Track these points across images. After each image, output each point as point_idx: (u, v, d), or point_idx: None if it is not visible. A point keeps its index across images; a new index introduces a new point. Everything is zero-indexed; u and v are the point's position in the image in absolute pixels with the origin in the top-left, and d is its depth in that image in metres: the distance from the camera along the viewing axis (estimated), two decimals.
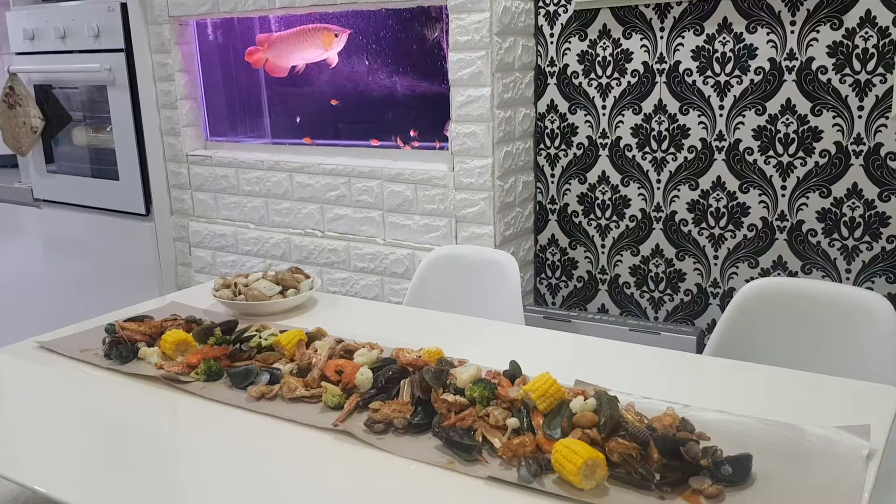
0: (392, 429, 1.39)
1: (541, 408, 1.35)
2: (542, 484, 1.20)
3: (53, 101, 3.53)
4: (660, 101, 2.35)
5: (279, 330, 1.79)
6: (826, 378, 1.52)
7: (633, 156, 2.44)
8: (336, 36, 2.66)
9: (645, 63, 2.36)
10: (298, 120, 3.03)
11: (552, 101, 2.54)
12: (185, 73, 3.12)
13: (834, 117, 2.12)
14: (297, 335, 1.73)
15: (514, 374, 1.49)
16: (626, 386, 1.49)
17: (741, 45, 2.20)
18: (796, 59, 2.14)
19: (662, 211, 2.42)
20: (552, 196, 2.62)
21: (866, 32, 2.03)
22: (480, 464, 1.26)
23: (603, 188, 2.51)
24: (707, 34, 2.24)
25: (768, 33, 2.15)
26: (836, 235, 2.18)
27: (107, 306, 3.21)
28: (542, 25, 2.50)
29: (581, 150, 2.53)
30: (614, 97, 2.43)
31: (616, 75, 2.41)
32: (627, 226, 2.50)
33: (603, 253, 2.56)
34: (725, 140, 2.28)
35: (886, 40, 2.01)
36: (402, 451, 1.32)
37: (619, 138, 2.45)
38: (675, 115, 2.34)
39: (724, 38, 2.22)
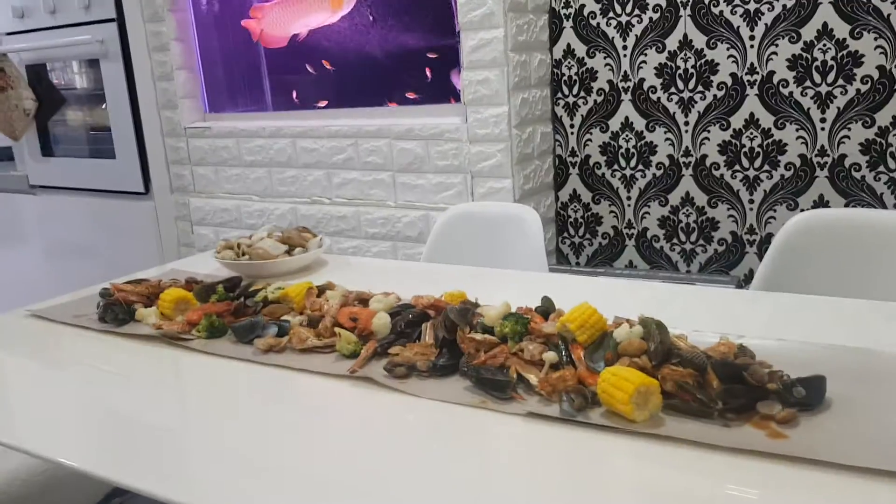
0: (415, 372, 1.25)
1: (581, 339, 1.21)
2: (587, 417, 1.05)
3: (46, 81, 3.40)
4: (685, 36, 2.20)
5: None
6: (890, 304, 1.36)
7: (659, 98, 2.28)
8: None
9: None
10: (298, 90, 2.89)
11: (569, 45, 2.38)
12: (180, 41, 2.98)
13: (875, 38, 1.96)
14: (306, 286, 1.58)
15: (547, 309, 1.35)
16: (672, 325, 1.34)
17: None
18: None
19: (692, 155, 2.26)
20: (572, 148, 2.46)
21: None
22: (517, 401, 1.12)
23: (627, 135, 2.35)
24: None
25: None
26: (881, 168, 2.02)
27: None
28: None
29: (602, 97, 2.37)
30: (636, 36, 2.27)
31: (637, 12, 2.26)
32: (654, 174, 2.34)
33: (629, 206, 2.40)
34: (758, 73, 2.12)
35: None
36: (428, 393, 1.18)
37: (642, 80, 2.30)
38: (703, 50, 2.18)
39: None
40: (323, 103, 2.81)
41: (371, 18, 2.64)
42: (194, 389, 1.29)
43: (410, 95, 2.60)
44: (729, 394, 1.05)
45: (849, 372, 1.12)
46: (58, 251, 3.56)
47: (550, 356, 1.19)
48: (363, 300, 1.53)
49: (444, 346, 1.30)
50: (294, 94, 2.92)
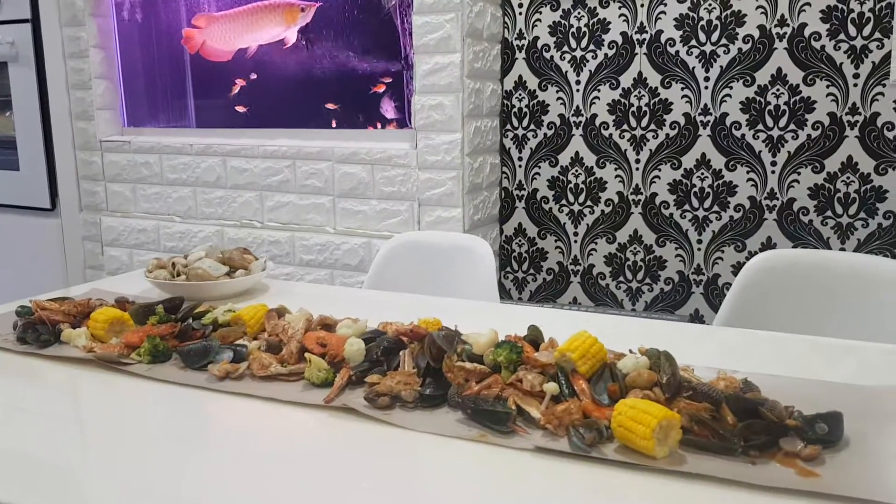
0: (399, 403, 1.13)
1: (582, 370, 1.13)
2: (600, 453, 0.97)
3: None
4: (640, 73, 2.19)
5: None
6: (860, 343, 1.36)
7: (611, 134, 2.26)
8: (302, 10, 2.38)
9: (624, 34, 2.20)
10: (229, 107, 2.73)
11: (521, 76, 2.35)
12: (100, 48, 2.77)
13: (828, 86, 2.01)
14: (261, 308, 1.44)
15: (535, 339, 1.26)
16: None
17: (728, 11, 2.08)
18: (787, 25, 2.02)
19: (642, 193, 2.25)
20: (520, 181, 2.41)
21: None
22: (519, 435, 1.03)
23: (576, 171, 2.32)
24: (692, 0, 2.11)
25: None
26: (829, 213, 2.06)
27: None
28: None
29: (552, 130, 2.34)
30: (590, 71, 2.26)
31: (591, 47, 2.25)
32: (603, 211, 2.31)
33: (576, 241, 2.36)
34: (711, 114, 2.14)
35: None
36: (417, 425, 1.07)
37: (594, 116, 2.28)
38: (657, 88, 2.18)
39: (709, 4, 2.09)
40: (254, 122, 2.67)
41: (313, 38, 2.53)
42: (140, 419, 1.13)
43: (355, 118, 2.50)
44: (750, 430, 0.99)
45: (852, 407, 1.08)
46: None
47: (551, 387, 1.10)
48: (327, 325, 1.41)
49: (428, 374, 1.19)
50: (224, 112, 2.76)
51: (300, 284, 1.86)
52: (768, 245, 2.13)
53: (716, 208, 2.17)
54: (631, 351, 1.19)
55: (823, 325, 1.67)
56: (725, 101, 2.11)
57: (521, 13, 2.31)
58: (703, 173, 2.17)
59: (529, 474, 0.94)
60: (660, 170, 2.22)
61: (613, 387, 1.10)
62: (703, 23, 2.10)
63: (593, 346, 1.16)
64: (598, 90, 2.26)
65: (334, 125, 2.52)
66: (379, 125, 2.45)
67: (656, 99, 2.19)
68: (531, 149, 2.38)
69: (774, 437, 0.99)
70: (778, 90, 2.05)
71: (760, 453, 0.97)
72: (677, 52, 2.15)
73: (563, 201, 2.36)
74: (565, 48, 2.28)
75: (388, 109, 2.44)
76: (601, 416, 1.05)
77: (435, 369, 1.20)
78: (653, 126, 2.20)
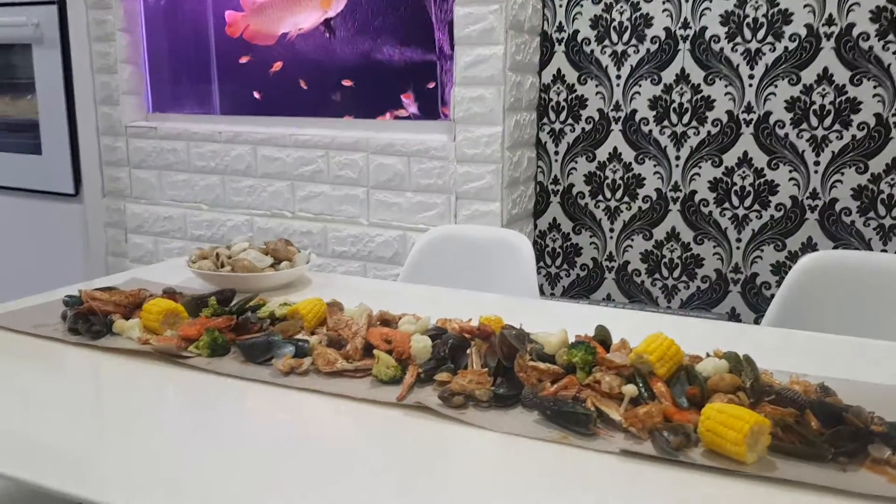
0: (472, 402, 1.12)
1: (660, 372, 1.11)
2: (686, 457, 0.96)
3: None
4: (682, 70, 2.17)
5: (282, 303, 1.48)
6: None
7: (650, 130, 2.24)
8: None
9: (667, 29, 2.18)
10: (261, 95, 2.70)
11: (559, 70, 2.32)
12: (126, 32, 2.74)
13: (875, 87, 1.99)
14: (317, 302, 1.42)
15: (604, 339, 1.24)
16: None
17: (775, 9, 2.05)
18: (835, 24, 2.00)
19: (681, 190, 2.23)
20: (555, 176, 2.39)
21: None
22: (601, 437, 1.01)
23: (614, 166, 2.30)
24: None
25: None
26: (871, 214, 2.04)
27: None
28: None
29: (591, 125, 2.31)
30: (631, 66, 2.23)
31: (634, 42, 2.22)
32: (640, 207, 2.29)
33: (611, 238, 2.35)
34: (755, 112, 2.12)
35: None
36: (496, 425, 1.05)
37: (634, 111, 2.25)
38: (699, 85, 2.16)
39: (756, 2, 2.06)
40: (286, 110, 2.63)
41: (344, 27, 2.50)
42: (205, 413, 1.11)
43: (393, 109, 2.47)
44: (838, 436, 0.98)
45: None
46: None
47: (630, 389, 1.09)
48: (386, 321, 1.39)
49: (499, 374, 1.18)
50: (253, 99, 2.73)
51: (342, 277, 1.85)
52: (809, 245, 2.12)
53: (756, 207, 2.16)
54: (708, 354, 1.18)
55: (871, 327, 1.66)
56: (770, 99, 2.09)
57: (561, 6, 2.29)
58: (744, 171, 2.15)
59: (615, 477, 0.93)
60: (700, 167, 2.20)
61: (693, 390, 1.09)
62: (748, 20, 2.08)
63: (671, 349, 1.14)
64: (639, 85, 2.24)
65: (368, 116, 2.49)
66: (414, 117, 2.43)
67: (699, 95, 2.17)
68: (568, 143, 2.35)
69: (862, 443, 0.99)
70: (824, 90, 2.03)
71: (850, 460, 0.97)
72: (721, 48, 2.12)
73: (600, 197, 2.34)
74: (606, 42, 2.25)
75: (422, 101, 2.42)
76: (683, 420, 1.04)
77: (506, 368, 1.19)
78: (694, 123, 2.18)
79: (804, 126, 2.07)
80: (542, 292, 2.48)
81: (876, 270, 1.69)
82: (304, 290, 1.71)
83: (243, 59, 2.64)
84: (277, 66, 2.60)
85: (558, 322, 1.30)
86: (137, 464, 0.94)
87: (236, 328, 1.37)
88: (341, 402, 1.13)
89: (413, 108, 2.43)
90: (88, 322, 1.40)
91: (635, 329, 1.29)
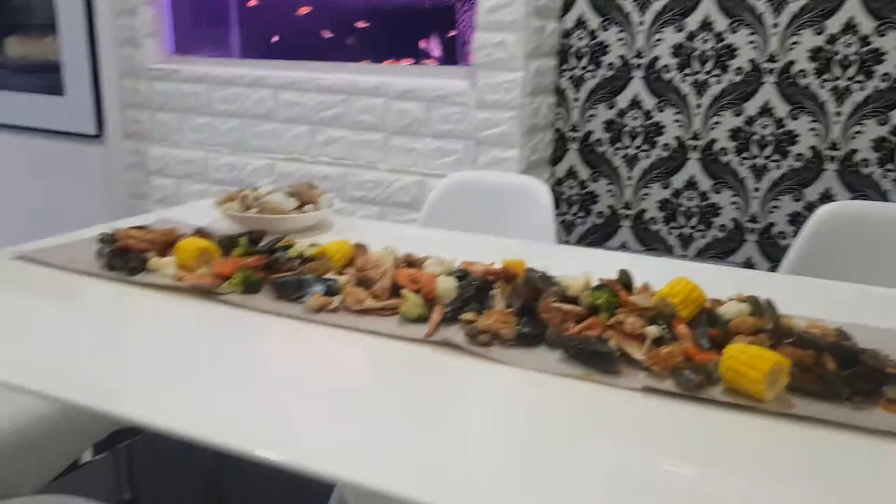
0: (497, 341, 1.16)
1: (683, 315, 1.15)
2: (708, 394, 1.00)
3: None
4: (706, 17, 2.17)
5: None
6: None
7: (672, 78, 2.24)
8: None
9: None
10: (281, 39, 2.70)
11: (581, 15, 2.31)
12: None
13: None
14: (345, 244, 1.46)
15: (627, 283, 1.28)
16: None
17: None
18: None
19: (701, 139, 2.24)
20: (574, 123, 2.40)
21: None
22: (623, 376, 1.05)
23: (634, 113, 2.31)
24: None
25: None
26: (890, 166, 2.06)
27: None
28: None
29: (612, 72, 2.32)
30: (655, 12, 2.22)
31: None
32: (659, 155, 2.31)
33: (629, 186, 2.37)
34: (778, 61, 2.11)
35: None
36: (521, 363, 1.09)
37: (656, 58, 2.25)
38: (723, 33, 2.15)
39: None
40: (306, 54, 2.63)
41: None
42: (239, 346, 1.15)
43: (412, 55, 2.47)
44: (855, 377, 1.02)
45: None
46: None
47: (653, 330, 1.13)
48: (411, 263, 1.43)
49: (523, 314, 1.22)
50: (275, 44, 2.73)
51: (363, 221, 1.88)
52: (826, 195, 2.14)
53: (776, 156, 2.17)
54: (729, 298, 1.21)
55: (888, 277, 1.68)
56: (793, 48, 2.09)
57: None
58: (765, 121, 2.16)
59: (638, 413, 0.97)
60: (721, 116, 2.21)
61: (714, 332, 1.13)
62: None
63: (693, 292, 1.18)
64: (662, 32, 2.23)
65: (389, 60, 2.49)
66: (434, 62, 2.43)
67: (722, 44, 2.16)
68: (588, 90, 2.36)
69: (877, 384, 1.03)
70: (848, 40, 2.03)
71: (865, 399, 1.01)
72: None
73: (619, 144, 2.36)
74: None
75: (442, 46, 2.42)
76: (704, 360, 1.08)
77: (530, 309, 1.23)
78: (717, 71, 2.18)
79: (827, 76, 2.07)
80: (556, 239, 2.51)
81: (894, 221, 1.71)
82: (328, 233, 1.74)
83: (258, 2, 2.62)
84: (304, 10, 2.59)
85: (578, 267, 1.33)
86: (172, 389, 1.00)
87: (267, 267, 1.41)
88: (370, 338, 1.18)
89: (434, 54, 2.43)
90: (125, 259, 1.45)
91: (655, 275, 1.32)
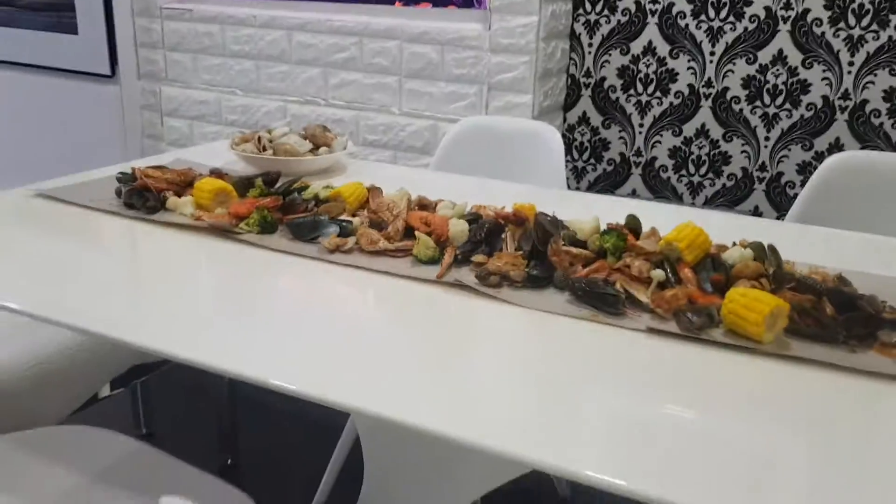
0: (507, 282, 1.19)
1: (688, 259, 1.18)
2: (709, 336, 1.04)
3: None
4: None
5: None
6: None
7: (687, 24, 2.24)
8: None
9: None
10: None
11: None
12: None
13: None
14: (359, 187, 1.49)
15: (635, 228, 1.31)
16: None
17: None
18: None
19: (713, 87, 2.25)
20: (587, 68, 2.40)
21: None
22: (628, 317, 1.09)
23: (648, 60, 2.31)
24: None
25: None
26: None
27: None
28: None
29: (626, 17, 2.31)
30: None
31: None
32: (672, 103, 2.32)
33: (640, 133, 2.38)
34: (793, 9, 2.10)
35: None
36: (530, 303, 1.13)
37: (671, 4, 2.24)
38: None
39: None
40: None
41: None
42: (256, 284, 1.19)
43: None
44: (851, 321, 1.05)
45: None
46: (2, 132, 3.26)
47: (659, 273, 1.16)
48: (424, 206, 1.46)
49: (533, 257, 1.25)
50: None
51: (376, 164, 1.91)
52: (836, 145, 2.15)
53: (787, 106, 2.17)
54: (734, 244, 1.24)
55: (894, 227, 1.71)
56: None
57: None
58: (778, 69, 2.16)
59: (641, 353, 1.01)
60: (734, 64, 2.20)
61: (718, 276, 1.17)
62: None
63: (699, 237, 1.21)
64: None
65: (403, 3, 2.48)
66: (450, 5, 2.42)
67: None
68: (603, 35, 2.35)
69: (873, 328, 1.06)
70: None
71: (860, 343, 1.05)
72: None
73: (632, 91, 2.36)
74: None
75: None
76: (707, 303, 1.11)
77: (539, 252, 1.26)
78: (731, 18, 2.17)
79: (841, 25, 2.06)
80: (567, 186, 2.54)
81: None
82: (341, 176, 1.77)
83: None
84: None
85: (588, 212, 1.36)
86: (190, 323, 1.04)
87: (283, 208, 1.45)
88: (383, 278, 1.22)
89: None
90: (143, 198, 1.48)
91: (663, 221, 1.35)
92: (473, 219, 1.36)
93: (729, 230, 1.41)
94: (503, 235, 1.31)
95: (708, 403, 0.89)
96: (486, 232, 1.31)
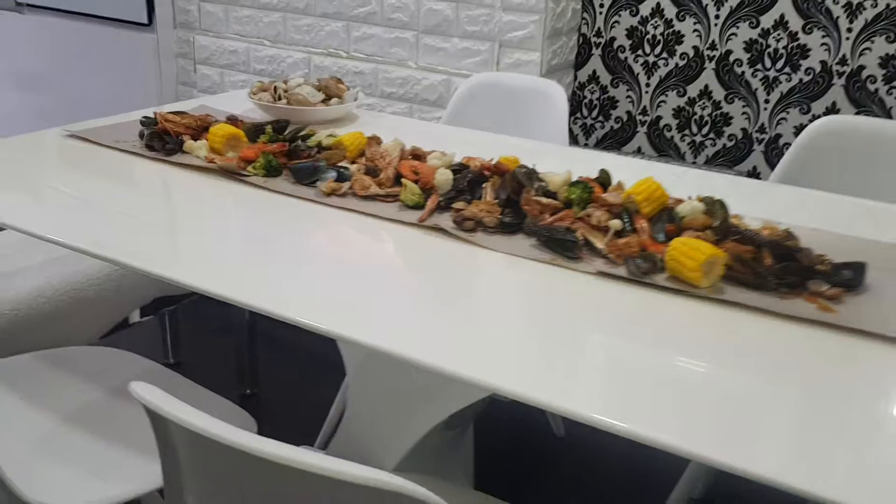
0: (481, 227, 1.32)
1: (645, 211, 1.30)
2: (652, 280, 1.16)
3: None
4: None
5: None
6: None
7: None
8: None
9: None
10: None
11: None
12: None
13: None
14: (359, 135, 1.62)
15: (605, 181, 1.42)
16: None
17: None
18: None
19: (717, 49, 2.32)
20: (598, 28, 2.48)
21: None
22: (584, 261, 1.21)
23: (656, 21, 2.38)
24: None
25: None
26: (895, 83, 2.12)
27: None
28: None
29: None
30: None
31: None
32: (677, 64, 2.39)
33: (647, 92, 2.46)
34: None
35: None
36: (498, 246, 1.26)
37: None
38: None
39: None
40: None
41: None
42: (259, 223, 1.34)
43: None
44: (785, 271, 1.16)
45: (882, 262, 1.24)
46: (44, 76, 3.44)
47: (616, 223, 1.27)
48: (417, 156, 1.58)
49: (508, 205, 1.37)
50: None
51: (387, 116, 2.03)
52: (832, 109, 2.21)
53: (787, 70, 2.24)
54: (690, 198, 1.35)
55: (875, 191, 1.78)
56: None
57: None
58: (779, 34, 2.22)
59: (592, 293, 1.13)
60: (738, 27, 2.27)
61: (671, 227, 1.27)
62: None
63: (657, 191, 1.32)
64: None
65: None
66: None
67: None
68: None
69: (804, 278, 1.17)
70: None
71: (790, 290, 1.15)
72: None
73: (640, 52, 2.44)
74: None
75: None
76: (656, 251, 1.22)
77: (514, 201, 1.38)
78: None
79: None
80: (577, 142, 2.64)
81: (887, 138, 1.79)
82: (351, 126, 1.90)
83: None
84: None
85: (576, 167, 1.46)
86: (199, 255, 1.20)
87: (288, 154, 1.58)
88: (372, 220, 1.35)
89: None
90: (163, 141, 1.63)
91: (638, 175, 1.45)
92: (459, 169, 1.48)
93: (703, 187, 1.51)
94: (484, 185, 1.43)
95: (648, 340, 1.01)
96: (469, 181, 1.43)
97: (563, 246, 1.24)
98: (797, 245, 1.23)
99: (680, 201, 1.34)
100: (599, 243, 1.25)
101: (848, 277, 1.16)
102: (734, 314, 1.09)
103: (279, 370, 2.47)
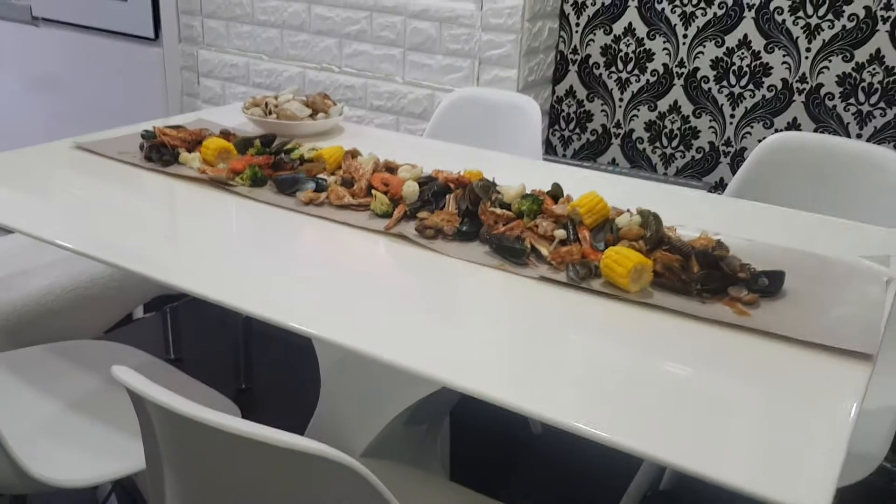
0: (441, 235, 1.46)
1: (587, 222, 1.43)
2: (589, 285, 1.29)
3: None
4: None
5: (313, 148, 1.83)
6: (845, 222, 1.61)
7: (663, 9, 2.44)
8: None
9: None
10: None
11: None
12: None
13: None
14: (339, 149, 1.77)
15: (556, 194, 1.56)
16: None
17: None
18: None
19: (685, 67, 2.45)
20: (574, 46, 2.62)
21: None
22: (530, 267, 1.35)
23: (628, 40, 2.52)
24: None
25: None
26: (852, 100, 2.24)
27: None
28: None
29: (610, 0, 2.52)
30: None
31: None
32: (648, 80, 2.53)
33: (620, 107, 2.60)
34: None
35: None
36: (453, 252, 1.40)
37: None
38: None
39: None
40: None
41: None
42: (242, 229, 1.49)
43: None
44: (707, 278, 1.29)
45: (804, 271, 1.36)
46: (57, 85, 3.62)
47: (560, 233, 1.41)
48: (390, 168, 1.73)
49: (467, 215, 1.51)
50: None
51: (371, 129, 2.18)
52: (794, 124, 2.34)
53: (751, 86, 2.37)
54: (629, 210, 1.49)
55: (823, 205, 1.91)
56: None
57: None
58: (743, 53, 2.35)
59: (535, 296, 1.27)
60: (704, 46, 2.40)
61: (610, 237, 1.41)
62: None
63: (598, 204, 1.45)
64: None
65: None
66: None
67: None
68: (588, 16, 2.57)
69: (725, 285, 1.30)
70: None
71: (711, 296, 1.28)
72: None
73: (613, 68, 2.58)
74: None
75: None
76: (595, 259, 1.36)
77: (472, 212, 1.52)
78: (702, 4, 2.37)
79: (800, 13, 2.24)
80: (555, 153, 2.78)
81: (834, 153, 1.92)
82: (337, 138, 2.05)
83: None
84: None
85: (541, 180, 1.60)
86: (190, 257, 1.34)
87: (273, 165, 1.73)
88: (344, 228, 1.50)
89: None
90: (160, 153, 1.79)
91: (594, 188, 1.58)
92: (427, 181, 1.62)
93: (667, 200, 1.64)
94: (448, 196, 1.58)
95: (583, 338, 1.15)
96: (434, 193, 1.57)
97: (511, 253, 1.38)
98: (724, 254, 1.35)
99: (621, 213, 1.48)
100: (545, 251, 1.39)
101: (764, 284, 1.28)
102: (660, 317, 1.21)
103: (273, 366, 2.62)
